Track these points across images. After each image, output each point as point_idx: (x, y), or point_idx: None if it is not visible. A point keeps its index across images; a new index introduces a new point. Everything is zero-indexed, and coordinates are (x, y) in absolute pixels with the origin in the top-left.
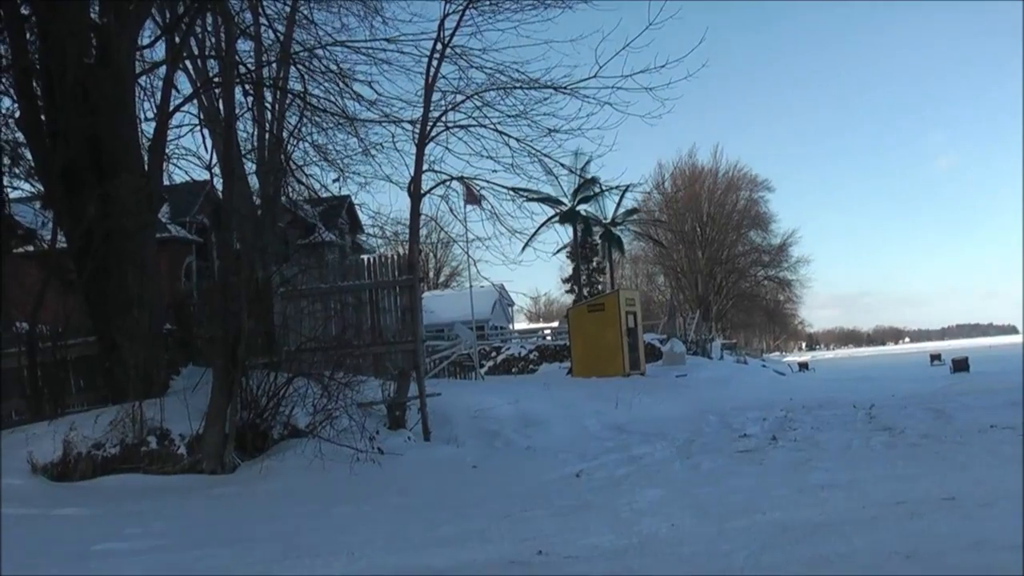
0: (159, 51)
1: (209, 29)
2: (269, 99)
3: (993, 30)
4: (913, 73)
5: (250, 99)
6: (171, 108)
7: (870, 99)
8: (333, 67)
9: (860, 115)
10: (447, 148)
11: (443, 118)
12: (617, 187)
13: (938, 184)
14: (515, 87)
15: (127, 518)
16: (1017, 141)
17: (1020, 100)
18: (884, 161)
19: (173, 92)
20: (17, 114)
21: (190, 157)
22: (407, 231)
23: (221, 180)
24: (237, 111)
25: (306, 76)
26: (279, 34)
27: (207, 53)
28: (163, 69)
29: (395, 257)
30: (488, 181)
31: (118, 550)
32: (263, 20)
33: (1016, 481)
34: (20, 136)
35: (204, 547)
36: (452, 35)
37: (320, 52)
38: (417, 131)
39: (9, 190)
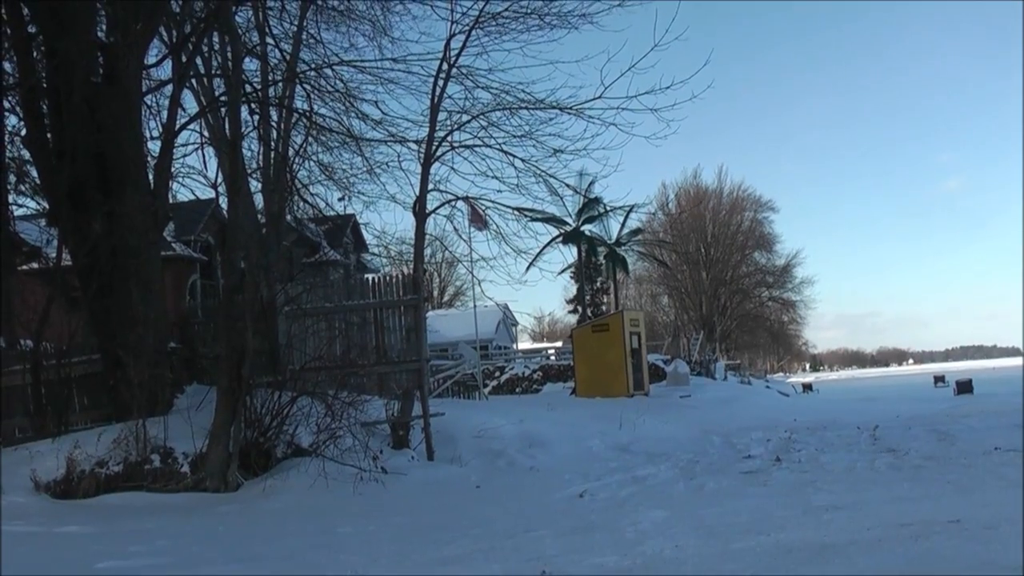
0: (165, 70)
1: (215, 48)
2: (275, 118)
3: (1004, 50)
4: (921, 93)
5: (256, 118)
6: (177, 127)
7: (877, 120)
8: (339, 86)
9: (867, 136)
10: (452, 168)
11: (448, 138)
12: (622, 207)
13: (945, 205)
14: (520, 107)
15: (130, 536)
16: (1018, 161)
17: (1020, 122)
18: (890, 182)
19: (179, 111)
20: (23, 132)
21: (195, 175)
22: (411, 250)
23: (226, 199)
24: (243, 130)
25: (312, 95)
26: (285, 53)
27: (213, 72)
28: (169, 88)
29: (399, 276)
30: (493, 201)
31: (121, 568)
32: (270, 39)
33: (1020, 504)
34: (26, 154)
35: (208, 565)
36: (458, 55)
37: (326, 71)
38: (422, 151)
39: (15, 207)
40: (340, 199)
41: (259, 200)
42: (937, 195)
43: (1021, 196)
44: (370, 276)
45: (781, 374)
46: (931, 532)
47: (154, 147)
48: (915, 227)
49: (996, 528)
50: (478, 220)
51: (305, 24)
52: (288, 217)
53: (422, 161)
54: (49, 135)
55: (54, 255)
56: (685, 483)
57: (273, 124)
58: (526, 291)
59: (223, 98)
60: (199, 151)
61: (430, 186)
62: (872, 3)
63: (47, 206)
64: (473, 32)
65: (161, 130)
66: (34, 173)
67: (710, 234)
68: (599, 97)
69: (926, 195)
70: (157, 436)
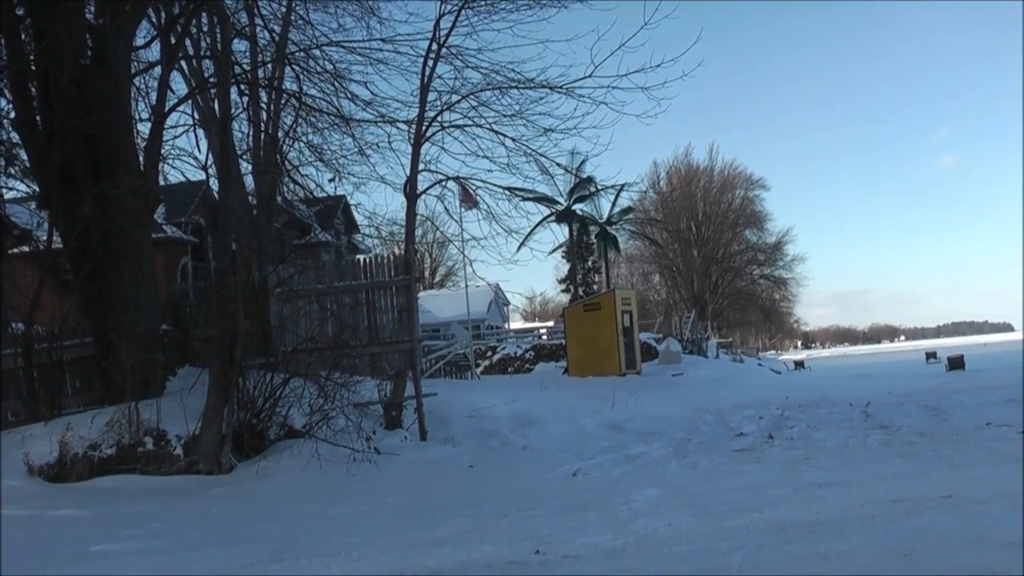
0: (154, 51)
1: (204, 30)
2: (265, 99)
3: (1001, 24)
4: (918, 69)
5: (246, 99)
6: (167, 108)
7: (873, 96)
8: (329, 67)
9: (862, 113)
10: (443, 148)
11: (439, 118)
12: (613, 186)
13: (939, 182)
14: (511, 87)
15: (124, 519)
16: (1017, 139)
17: (1020, 99)
18: (886, 159)
19: (169, 92)
20: (12, 115)
21: (186, 157)
22: (403, 231)
23: (217, 180)
24: (233, 111)
25: (302, 76)
26: (275, 34)
27: (203, 53)
28: (159, 69)
29: (391, 257)
30: (484, 181)
31: (115, 551)
32: (259, 20)
33: (1012, 479)
34: (15, 136)
35: (201, 548)
36: (448, 35)
37: (316, 52)
38: (413, 131)
39: (5, 190)
40: (330, 180)
41: (249, 182)
42: (933, 171)
43: (1022, 172)
44: (361, 257)
45: (773, 352)
46: (923, 508)
47: (144, 129)
48: (910, 204)
49: (988, 503)
50: (468, 200)
51: (294, 5)
52: (279, 198)
53: (412, 141)
54: (38, 117)
55: (45, 238)
56: (678, 461)
57: (263, 105)
58: (517, 271)
59: (213, 79)
60: (189, 133)
61: (421, 166)
62: None
63: (37, 189)
64: (463, 12)
65: (150, 112)
66: (24, 155)
67: (701, 212)
68: (589, 76)
69: (922, 172)
70: (150, 419)
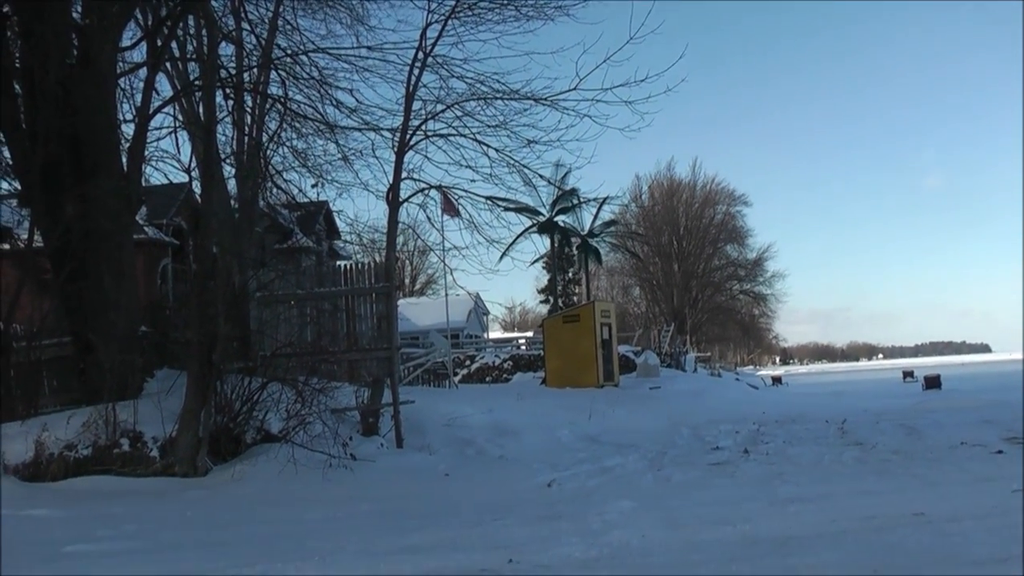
0: (140, 53)
1: (191, 32)
2: (249, 104)
3: (989, 45)
4: (908, 89)
5: (230, 103)
6: (151, 110)
7: (860, 115)
8: (314, 73)
9: (848, 132)
10: (426, 157)
11: (423, 127)
12: (595, 199)
13: (923, 202)
14: (495, 97)
15: (99, 520)
16: (1010, 157)
17: (1019, 120)
18: (871, 178)
19: (153, 94)
20: None
21: (169, 159)
22: (384, 238)
23: (200, 184)
24: (217, 115)
25: (287, 81)
26: (261, 39)
27: (188, 56)
28: (144, 71)
29: (371, 264)
30: (466, 190)
31: (89, 552)
32: (245, 25)
33: (984, 498)
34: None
35: (176, 550)
36: (434, 44)
37: (302, 58)
38: (397, 139)
39: None
40: (313, 186)
41: (232, 185)
42: (918, 192)
43: (1021, 196)
44: (342, 263)
45: (751, 367)
46: (896, 525)
47: (128, 130)
48: (894, 223)
49: (960, 522)
50: (450, 209)
51: (281, 10)
52: (261, 203)
53: (396, 149)
54: (23, 116)
55: (26, 237)
56: (653, 474)
57: (247, 110)
58: (498, 280)
59: (198, 83)
60: (173, 135)
61: (404, 174)
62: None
63: (19, 187)
64: (449, 22)
65: (135, 113)
66: (7, 154)
67: (682, 227)
68: (574, 89)
69: (907, 191)
70: (127, 420)
